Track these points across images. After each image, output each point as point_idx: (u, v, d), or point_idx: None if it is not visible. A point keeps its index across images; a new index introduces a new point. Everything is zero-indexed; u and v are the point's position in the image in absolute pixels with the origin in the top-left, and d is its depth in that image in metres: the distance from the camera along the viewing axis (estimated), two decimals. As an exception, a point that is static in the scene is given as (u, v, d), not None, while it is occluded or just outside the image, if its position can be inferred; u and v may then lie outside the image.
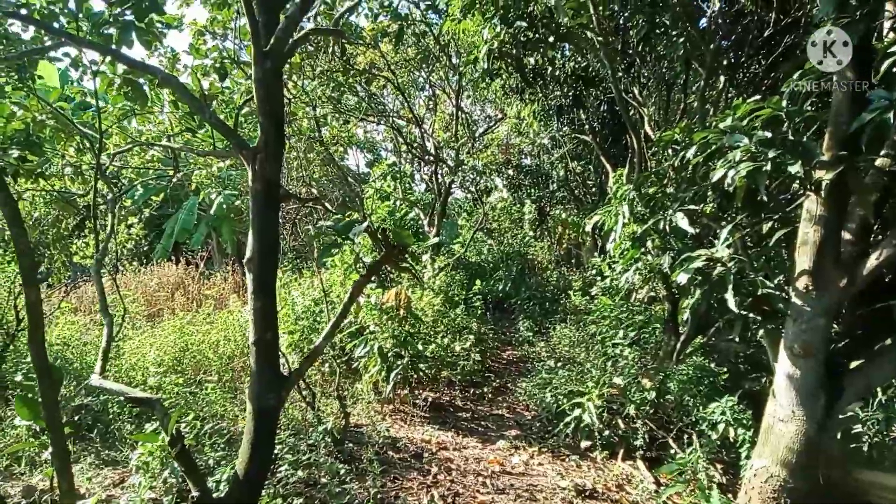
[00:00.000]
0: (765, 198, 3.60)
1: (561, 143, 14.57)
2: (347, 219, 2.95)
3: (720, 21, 7.14)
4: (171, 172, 6.10)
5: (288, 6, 3.14)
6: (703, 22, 7.72)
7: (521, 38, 4.86)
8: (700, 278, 4.08)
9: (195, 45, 5.32)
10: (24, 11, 3.26)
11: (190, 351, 7.56)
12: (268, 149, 2.85)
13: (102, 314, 3.57)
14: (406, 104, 8.89)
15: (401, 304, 6.52)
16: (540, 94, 10.97)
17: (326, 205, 4.41)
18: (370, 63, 8.08)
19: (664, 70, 7.39)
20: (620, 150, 13.96)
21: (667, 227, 5.05)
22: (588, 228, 5.38)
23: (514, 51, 5.04)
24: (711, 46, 6.24)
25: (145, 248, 14.83)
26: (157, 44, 3.88)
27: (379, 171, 11.32)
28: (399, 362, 6.92)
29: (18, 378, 4.73)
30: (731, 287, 3.85)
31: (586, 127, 11.73)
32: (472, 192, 19.62)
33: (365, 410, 6.65)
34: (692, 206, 4.36)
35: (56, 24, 3.40)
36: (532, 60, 7.27)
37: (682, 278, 4.10)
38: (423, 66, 9.21)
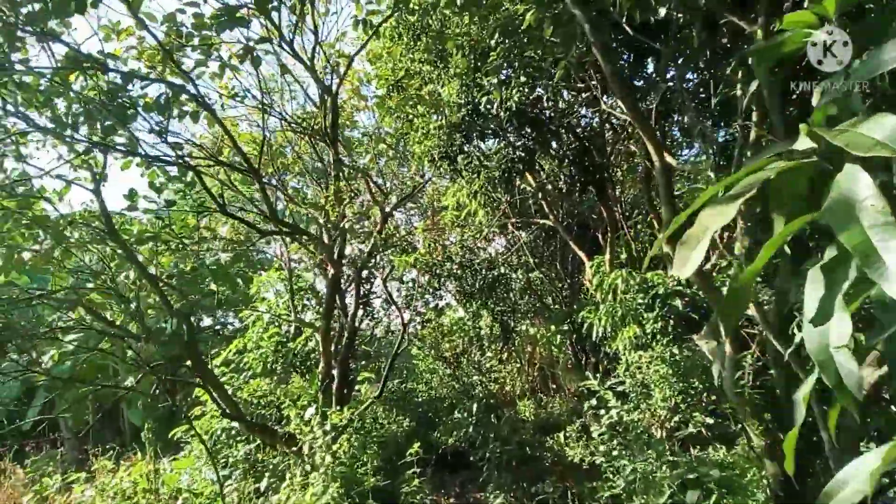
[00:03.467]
0: None
1: (514, 235, 11.56)
2: None
3: None
4: None
5: None
6: None
7: None
8: None
9: None
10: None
11: None
12: None
13: None
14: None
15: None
16: (476, 163, 8.05)
17: None
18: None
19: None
20: (587, 239, 11.06)
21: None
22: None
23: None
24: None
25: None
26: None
27: (259, 283, 7.79)
28: None
29: None
30: None
31: (541, 197, 8.80)
32: (419, 312, 16.12)
33: None
34: None
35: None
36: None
37: None
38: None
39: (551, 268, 12.77)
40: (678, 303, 7.19)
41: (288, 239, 7.15)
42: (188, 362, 5.96)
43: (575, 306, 11.24)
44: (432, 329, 14.68)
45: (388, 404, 13.28)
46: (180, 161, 5.08)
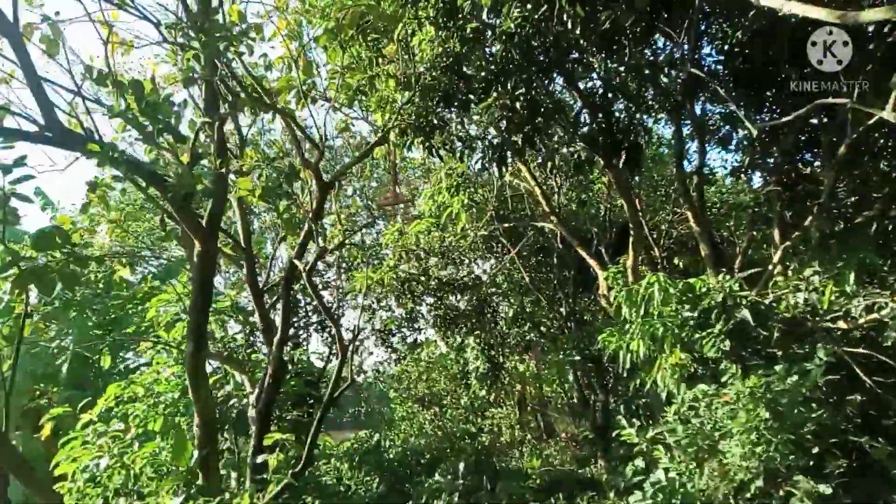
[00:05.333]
0: None
1: (503, 249, 9.52)
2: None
3: None
4: None
5: None
6: None
7: None
8: None
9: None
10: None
11: None
12: None
13: None
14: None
15: None
16: (458, 142, 6.10)
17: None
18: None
19: None
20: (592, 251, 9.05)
21: None
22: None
23: None
24: None
25: None
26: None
27: (158, 305, 5.54)
28: None
29: None
30: None
31: (540, 193, 6.81)
32: (392, 346, 13.88)
33: None
34: None
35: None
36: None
37: None
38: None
39: (548, 287, 10.70)
40: (745, 314, 5.16)
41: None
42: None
43: (584, 330, 9.17)
44: (406, 366, 12.40)
45: (355, 460, 10.83)
46: None
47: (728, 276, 5.97)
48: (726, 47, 7.74)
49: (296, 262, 5.07)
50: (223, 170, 3.77)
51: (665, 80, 7.49)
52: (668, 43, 7.87)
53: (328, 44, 4.98)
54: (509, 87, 4.67)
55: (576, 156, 4.95)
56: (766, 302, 5.70)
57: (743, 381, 4.23)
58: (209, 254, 3.99)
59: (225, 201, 4.16)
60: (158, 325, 5.55)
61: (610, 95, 5.24)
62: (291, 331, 14.11)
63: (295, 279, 5.17)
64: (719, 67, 8.08)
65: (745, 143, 9.28)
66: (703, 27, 7.37)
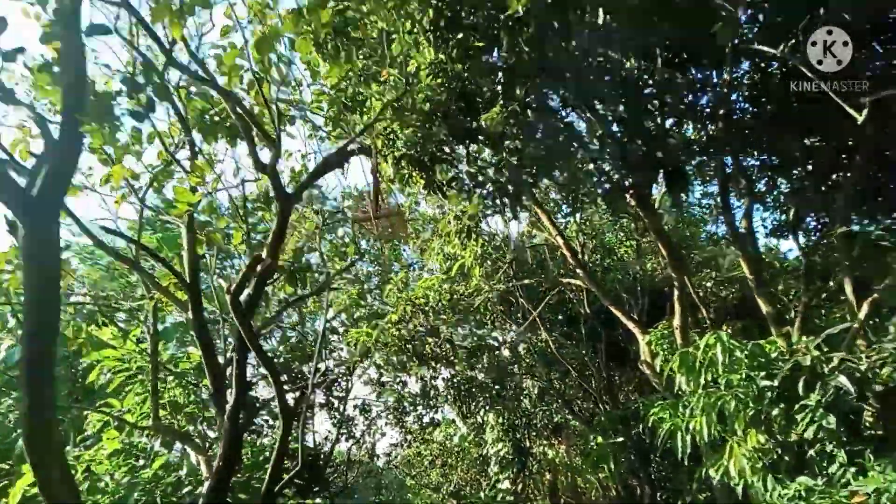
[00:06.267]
0: None
1: (522, 311, 8.41)
2: None
3: None
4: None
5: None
6: None
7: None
8: None
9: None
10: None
11: None
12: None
13: None
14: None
15: None
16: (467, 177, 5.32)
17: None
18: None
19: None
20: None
21: None
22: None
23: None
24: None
25: None
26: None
27: (103, 366, 4.58)
28: None
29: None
30: None
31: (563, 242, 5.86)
32: (404, 426, 12.54)
33: None
34: None
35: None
36: None
37: None
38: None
39: (576, 359, 9.40)
40: (843, 381, 3.94)
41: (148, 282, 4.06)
42: None
43: (622, 408, 7.78)
44: (418, 449, 10.92)
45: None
46: None
47: (806, 337, 4.78)
48: (755, 92, 7.07)
49: (221, 281, 4.06)
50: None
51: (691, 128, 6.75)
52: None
53: (294, 32, 4.26)
54: (518, 94, 3.86)
55: (603, 178, 3.99)
56: (862, 368, 4.46)
57: (879, 473, 2.96)
58: (48, 239, 2.59)
59: (78, 139, 2.90)
60: (112, 386, 4.52)
61: (644, 109, 4.37)
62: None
63: (256, 332, 4.12)
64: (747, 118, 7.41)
65: (783, 199, 8.37)
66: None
